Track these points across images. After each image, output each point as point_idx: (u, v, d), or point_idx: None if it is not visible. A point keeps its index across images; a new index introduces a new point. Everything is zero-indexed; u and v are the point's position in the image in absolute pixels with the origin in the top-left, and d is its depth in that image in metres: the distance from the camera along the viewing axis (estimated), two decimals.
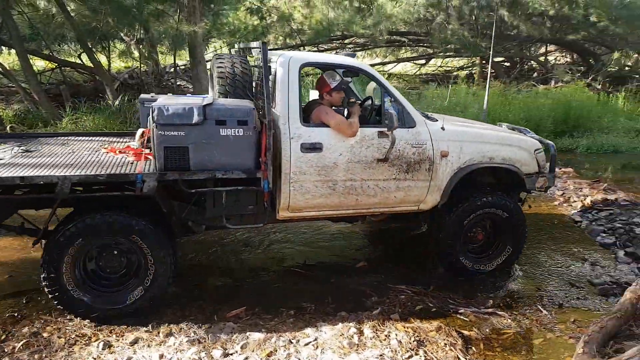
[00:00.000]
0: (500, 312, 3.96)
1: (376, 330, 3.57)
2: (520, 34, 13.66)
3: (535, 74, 16.34)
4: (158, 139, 3.45)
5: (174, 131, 3.46)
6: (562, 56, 19.92)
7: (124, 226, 3.54)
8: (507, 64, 16.76)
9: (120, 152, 4.13)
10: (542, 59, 18.26)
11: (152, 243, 3.61)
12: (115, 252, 3.70)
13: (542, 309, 4.05)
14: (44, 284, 3.48)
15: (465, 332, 3.64)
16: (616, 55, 15.37)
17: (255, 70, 4.37)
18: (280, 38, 13.35)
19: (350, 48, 15.57)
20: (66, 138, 4.84)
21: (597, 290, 4.44)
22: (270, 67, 3.93)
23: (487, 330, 3.72)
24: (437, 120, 4.44)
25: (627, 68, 16.46)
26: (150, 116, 3.50)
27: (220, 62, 4.13)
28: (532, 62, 17.62)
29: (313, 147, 3.90)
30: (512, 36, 13.88)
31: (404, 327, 3.63)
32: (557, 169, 6.58)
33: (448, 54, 14.09)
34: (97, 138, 4.92)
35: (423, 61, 17.43)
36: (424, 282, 4.45)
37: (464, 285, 4.47)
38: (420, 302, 4.08)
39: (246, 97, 4.06)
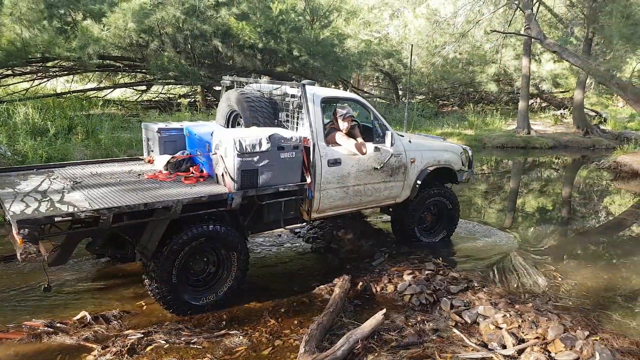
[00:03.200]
0: (232, 332, 3.99)
1: None
2: (235, 65, 14.54)
3: None
4: (237, 164, 4.23)
5: (249, 157, 4.26)
6: None
7: (216, 233, 4.27)
8: None
9: (164, 177, 4.65)
10: None
11: (232, 244, 4.40)
12: (205, 257, 4.43)
13: (270, 319, 4.24)
14: (157, 295, 4.12)
15: None
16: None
17: (280, 100, 5.27)
18: None
19: (54, 71, 13.80)
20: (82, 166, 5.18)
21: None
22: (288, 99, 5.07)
23: (221, 352, 3.69)
24: (402, 136, 5.90)
25: None
26: (228, 147, 4.23)
27: (248, 98, 5.03)
28: None
29: (335, 162, 5.01)
30: (229, 66, 14.67)
31: None
32: None
33: (168, 81, 13.93)
34: (106, 164, 5.29)
35: (144, 87, 16.81)
36: (157, 320, 4.18)
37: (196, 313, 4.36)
38: (151, 342, 3.78)
39: (272, 125, 4.99)
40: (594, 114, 24.09)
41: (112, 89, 16.15)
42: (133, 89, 17.22)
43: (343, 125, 5.24)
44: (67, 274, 5.15)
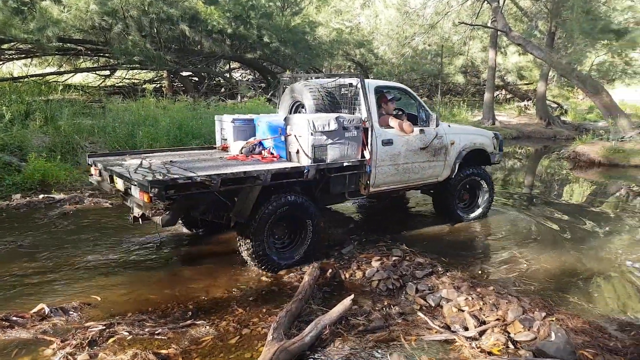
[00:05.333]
0: (198, 322, 3.93)
1: None
2: (203, 50, 14.24)
3: (222, 90, 17.38)
4: (311, 142, 4.93)
5: (320, 136, 4.97)
6: (247, 73, 21.89)
7: (294, 201, 4.98)
8: (195, 78, 17.26)
9: (243, 158, 5.37)
10: (227, 75, 19.60)
11: (309, 210, 5.13)
12: (286, 223, 5.17)
13: (238, 308, 4.21)
14: (253, 255, 4.85)
15: (164, 352, 3.47)
16: (288, 73, 17.72)
17: (335, 91, 6.01)
18: None
19: (10, 54, 13.20)
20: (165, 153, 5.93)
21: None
22: (355, 90, 5.71)
23: (186, 343, 3.63)
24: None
25: None
26: (302, 127, 4.95)
27: (311, 89, 5.79)
28: (219, 78, 18.73)
29: (388, 142, 5.73)
30: (196, 51, 14.36)
31: None
32: None
33: (133, 65, 13.51)
34: (186, 152, 6.11)
35: (107, 72, 16.28)
36: (120, 312, 4.09)
37: (157, 303, 4.31)
38: (113, 333, 3.69)
39: (330, 111, 5.71)
40: (555, 105, 24.83)
41: (73, 74, 15.57)
42: (96, 73, 16.67)
43: (390, 106, 6.14)
44: (25, 267, 4.99)
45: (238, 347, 3.61)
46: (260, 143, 5.61)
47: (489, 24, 19.48)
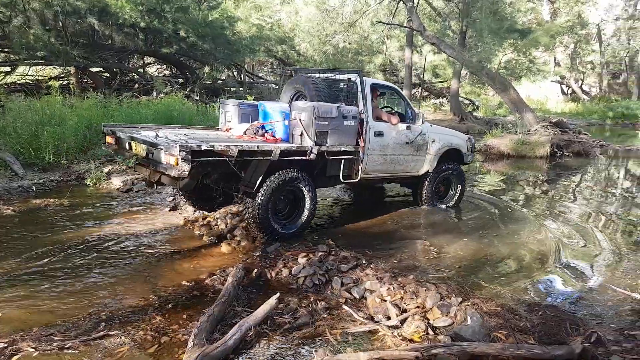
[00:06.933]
0: (112, 332, 3.67)
1: None
2: (114, 45, 13.43)
3: (136, 86, 16.49)
4: (315, 126, 5.52)
5: (323, 121, 5.57)
6: (163, 69, 20.96)
7: (296, 177, 5.65)
8: (106, 74, 16.26)
9: (249, 138, 5.91)
10: (141, 70, 18.65)
11: (308, 187, 5.80)
12: (285, 197, 5.83)
13: (156, 315, 4.00)
14: (259, 224, 5.45)
15: None
16: (207, 69, 17.18)
17: (332, 84, 6.46)
18: None
19: None
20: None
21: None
22: (353, 85, 6.34)
23: (100, 355, 3.39)
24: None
25: (220, 81, 18.73)
26: (307, 112, 5.52)
27: (313, 81, 6.38)
28: (133, 73, 17.77)
29: (379, 134, 6.42)
30: (107, 46, 13.52)
31: None
32: None
33: (36, 61, 12.44)
34: (192, 130, 6.56)
35: (8, 69, 14.85)
36: (24, 327, 3.74)
37: (65, 314, 3.99)
38: (16, 351, 3.36)
39: (329, 102, 5.99)
40: (468, 102, 26.33)
41: None
42: None
43: (375, 97, 6.77)
44: None
45: (157, 356, 3.43)
46: (263, 126, 6.09)
47: (405, 24, 20.18)
